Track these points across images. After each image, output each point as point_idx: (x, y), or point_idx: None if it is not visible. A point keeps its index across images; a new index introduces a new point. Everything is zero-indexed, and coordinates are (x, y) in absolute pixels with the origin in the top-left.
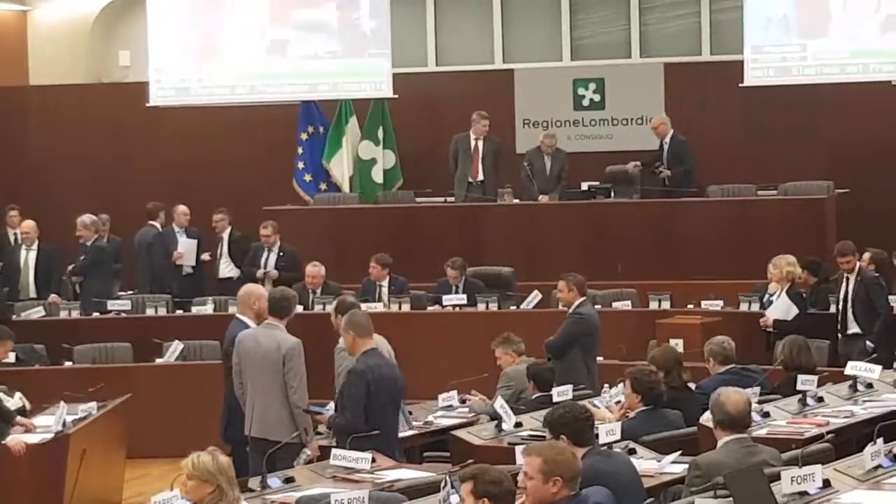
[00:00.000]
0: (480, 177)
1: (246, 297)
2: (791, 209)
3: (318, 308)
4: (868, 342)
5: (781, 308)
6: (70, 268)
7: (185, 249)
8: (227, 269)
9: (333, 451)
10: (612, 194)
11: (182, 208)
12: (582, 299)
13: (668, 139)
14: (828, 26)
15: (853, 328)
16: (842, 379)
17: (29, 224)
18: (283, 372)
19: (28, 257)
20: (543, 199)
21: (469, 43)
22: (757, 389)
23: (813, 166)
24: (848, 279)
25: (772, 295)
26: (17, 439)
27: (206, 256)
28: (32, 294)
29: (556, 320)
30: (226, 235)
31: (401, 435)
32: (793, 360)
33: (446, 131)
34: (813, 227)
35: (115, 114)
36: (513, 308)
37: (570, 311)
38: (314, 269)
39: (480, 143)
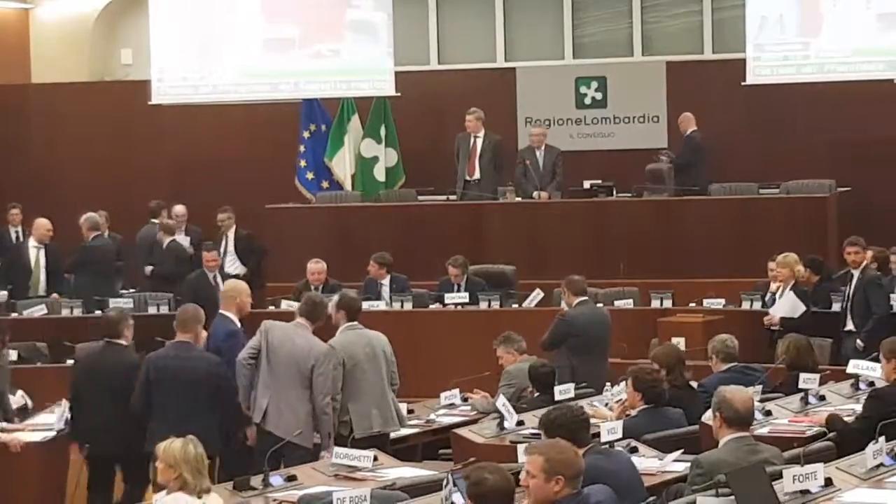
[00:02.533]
0: (477, 175)
1: (231, 290)
2: (793, 207)
3: None
4: (859, 341)
5: (786, 306)
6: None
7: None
8: (232, 266)
9: (336, 449)
10: (644, 193)
11: (178, 209)
12: (580, 299)
13: (685, 134)
14: (829, 24)
15: (849, 325)
16: (844, 377)
17: (45, 223)
18: (308, 376)
19: (39, 255)
20: (543, 195)
21: (471, 41)
22: (759, 388)
23: (815, 164)
24: (853, 277)
25: (774, 293)
26: (13, 437)
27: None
28: (42, 292)
29: None
30: (231, 234)
31: (401, 434)
32: (795, 358)
33: (448, 129)
34: (815, 225)
35: (117, 112)
36: (515, 306)
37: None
38: (316, 266)
39: (479, 141)
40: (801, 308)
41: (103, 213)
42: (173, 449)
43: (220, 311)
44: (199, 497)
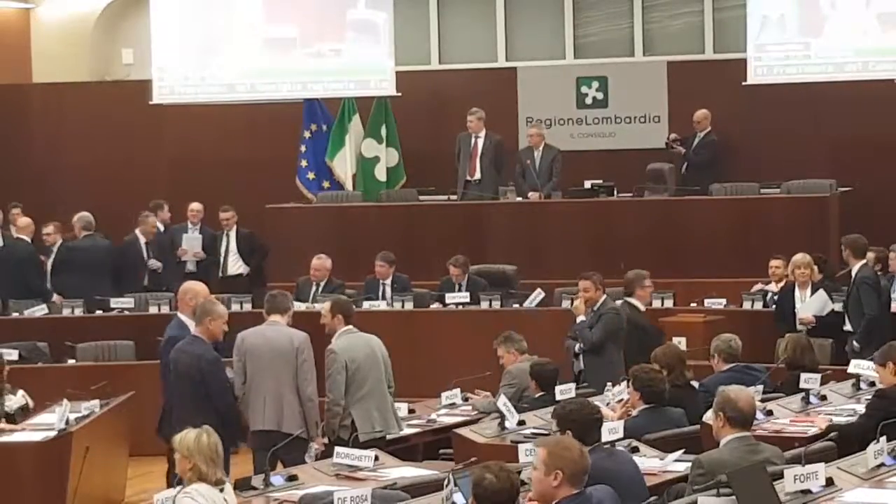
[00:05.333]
0: (478, 175)
1: (182, 293)
2: (794, 207)
3: (318, 307)
4: (855, 342)
5: (817, 304)
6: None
7: (189, 246)
8: (235, 266)
9: (337, 449)
10: (644, 193)
11: (194, 206)
12: (605, 296)
13: (703, 133)
14: (829, 25)
15: (847, 326)
16: (845, 377)
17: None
18: (296, 364)
19: None
20: (533, 195)
21: (472, 41)
22: (760, 388)
23: (816, 164)
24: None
25: (775, 294)
26: None
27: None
28: None
29: (559, 319)
30: (233, 233)
31: (402, 433)
32: (794, 358)
33: (449, 129)
34: (816, 225)
35: (117, 112)
36: (515, 306)
37: (598, 307)
38: (316, 262)
39: (480, 141)
40: (830, 306)
41: (86, 213)
42: (187, 440)
43: (178, 313)
44: (220, 489)
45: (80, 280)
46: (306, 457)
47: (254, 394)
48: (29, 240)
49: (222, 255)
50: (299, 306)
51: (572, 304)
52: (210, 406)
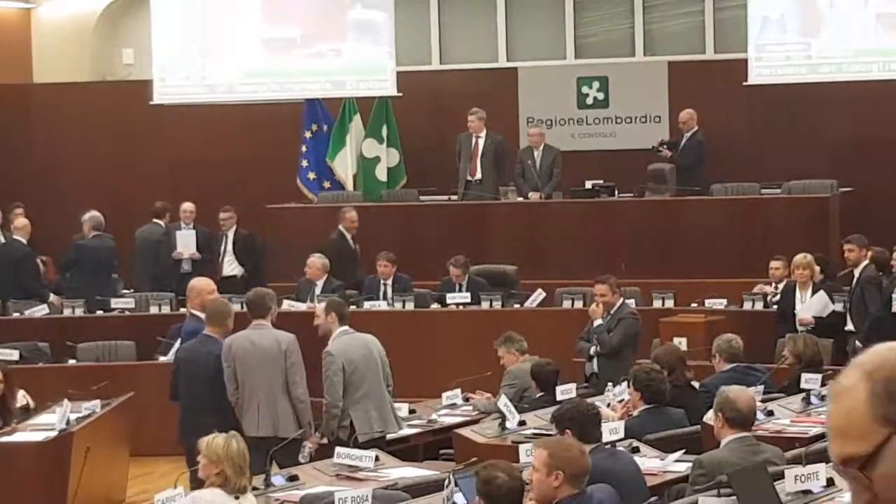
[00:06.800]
0: (478, 175)
1: (189, 291)
2: (795, 208)
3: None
4: (857, 342)
5: (818, 305)
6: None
7: (183, 246)
8: (231, 267)
9: (337, 449)
10: (645, 193)
11: (186, 206)
12: (622, 300)
13: (689, 133)
14: (829, 25)
15: (849, 326)
16: None
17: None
18: (285, 367)
19: None
20: (534, 196)
21: (473, 41)
22: (760, 388)
23: (817, 164)
24: (854, 276)
25: (774, 295)
26: None
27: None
28: None
29: (560, 319)
30: (231, 233)
31: (403, 434)
32: (809, 357)
33: (450, 129)
34: (817, 225)
35: (118, 112)
36: (516, 306)
37: (615, 311)
38: (311, 260)
39: (481, 141)
40: (831, 307)
41: (95, 212)
42: (216, 445)
43: (190, 310)
44: (237, 497)
45: (89, 279)
46: (300, 457)
47: (247, 400)
48: (25, 241)
49: (221, 255)
50: (299, 306)
51: (572, 304)
52: (222, 405)
